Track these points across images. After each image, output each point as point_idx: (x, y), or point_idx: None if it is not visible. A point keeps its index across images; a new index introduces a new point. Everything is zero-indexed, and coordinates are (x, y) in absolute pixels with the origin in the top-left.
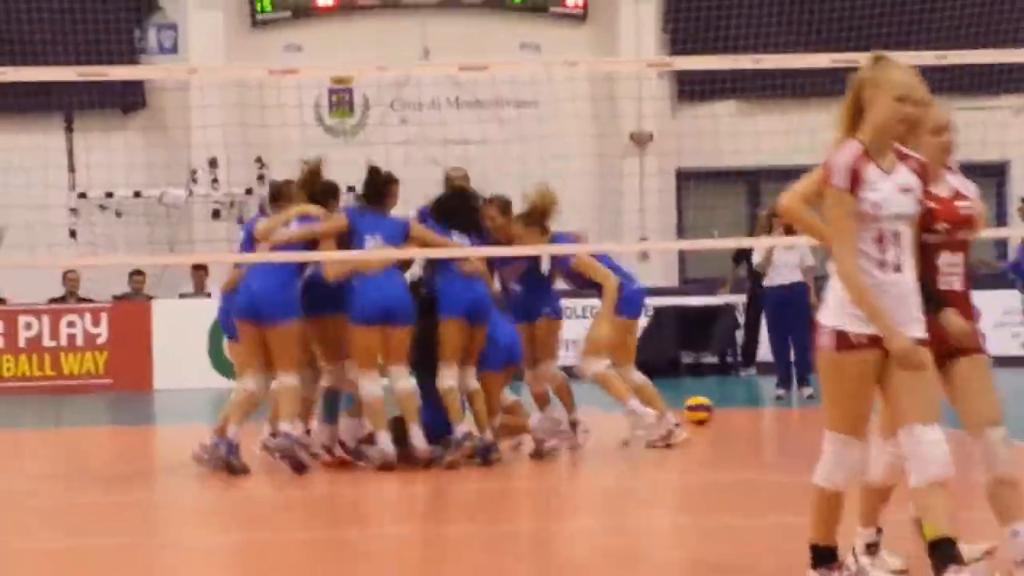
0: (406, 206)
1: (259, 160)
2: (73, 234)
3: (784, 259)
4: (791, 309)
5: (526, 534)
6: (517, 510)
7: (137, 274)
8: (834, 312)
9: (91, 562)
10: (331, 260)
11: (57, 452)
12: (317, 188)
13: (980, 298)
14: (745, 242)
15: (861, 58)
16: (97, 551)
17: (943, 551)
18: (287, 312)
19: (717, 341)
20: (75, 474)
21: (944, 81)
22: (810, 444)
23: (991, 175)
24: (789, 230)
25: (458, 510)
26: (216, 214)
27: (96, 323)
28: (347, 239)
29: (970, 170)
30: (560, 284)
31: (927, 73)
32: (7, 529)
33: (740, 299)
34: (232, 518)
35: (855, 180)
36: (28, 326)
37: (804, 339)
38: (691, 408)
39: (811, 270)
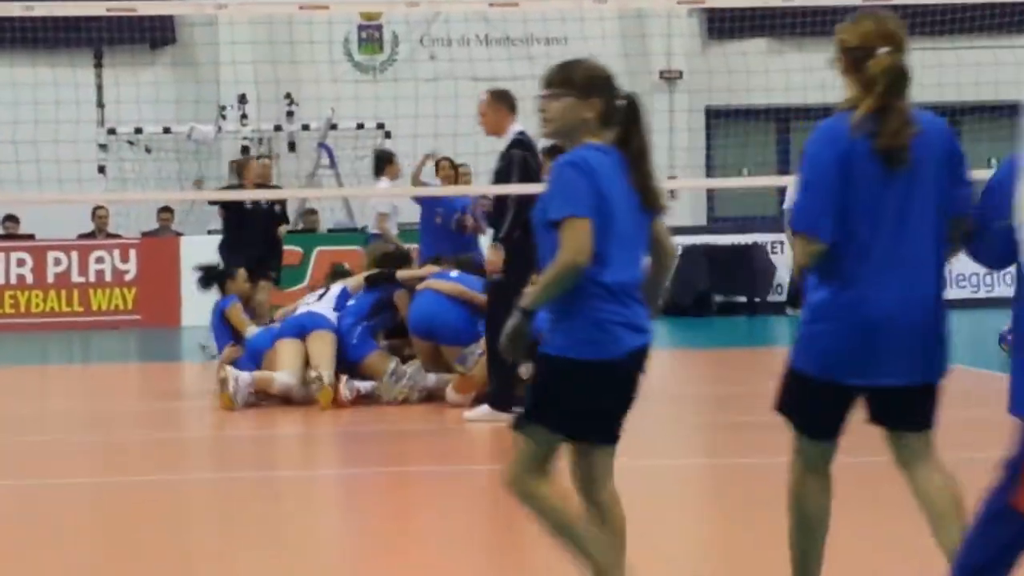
0: (435, 140)
1: (288, 96)
2: (102, 170)
3: None
4: None
5: None
6: None
7: (165, 211)
8: None
9: (120, 498)
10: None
11: (85, 388)
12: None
13: None
14: (773, 180)
15: None
16: (127, 488)
17: None
18: None
19: (747, 280)
20: (103, 410)
21: (971, 21)
22: None
23: (1009, 115)
24: None
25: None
26: (245, 151)
27: (125, 259)
28: None
29: (994, 110)
30: None
31: (957, 12)
32: (34, 465)
33: (769, 238)
34: (265, 454)
35: None
36: (57, 262)
37: None
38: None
39: None
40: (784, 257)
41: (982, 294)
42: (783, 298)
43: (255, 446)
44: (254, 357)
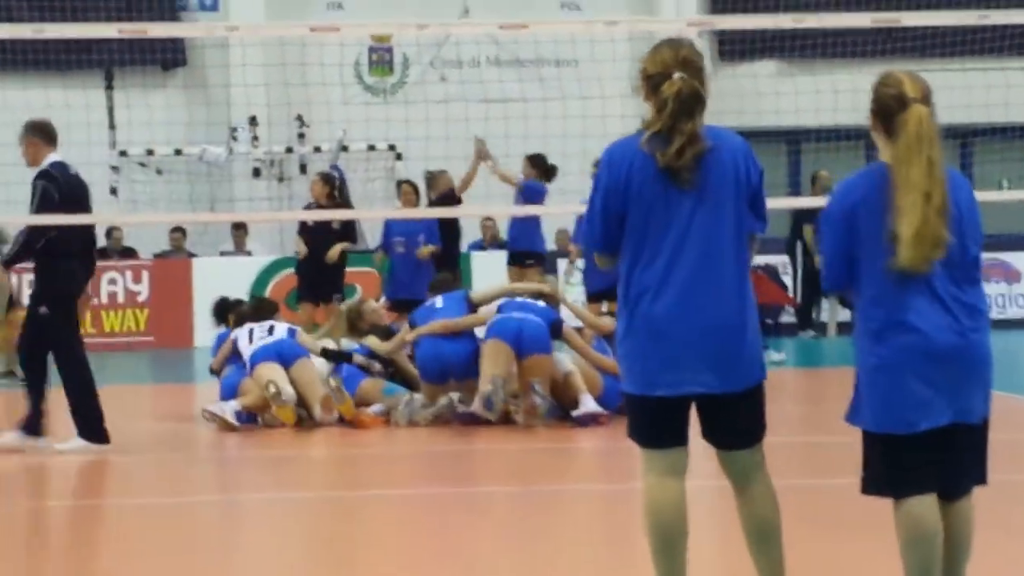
0: (447, 163)
1: (299, 118)
2: (114, 191)
3: None
4: None
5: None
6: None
7: (176, 231)
8: None
9: (128, 521)
10: None
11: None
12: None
13: None
14: (786, 202)
15: (902, 17)
16: (137, 510)
17: None
18: None
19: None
20: (115, 431)
21: (981, 43)
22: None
23: (1020, 137)
24: None
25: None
26: (256, 172)
27: (137, 280)
28: None
29: (1004, 132)
30: None
31: (967, 34)
32: (45, 486)
33: (780, 259)
34: (273, 475)
35: None
36: None
37: None
38: None
39: None
40: (790, 279)
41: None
42: (794, 319)
43: (265, 467)
44: (231, 392)
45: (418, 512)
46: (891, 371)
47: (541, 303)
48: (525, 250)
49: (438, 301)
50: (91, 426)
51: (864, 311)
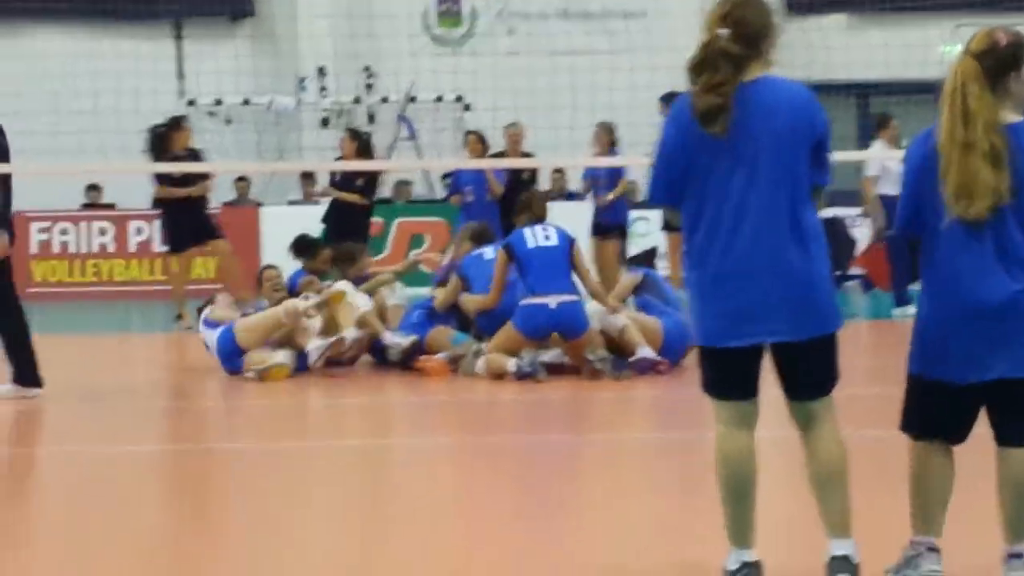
0: (516, 113)
1: (367, 69)
2: None
3: None
4: None
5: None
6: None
7: (240, 180)
8: None
9: (193, 465)
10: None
11: (164, 356)
12: None
13: None
14: (856, 155)
15: None
16: (201, 455)
17: None
18: None
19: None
20: (183, 379)
21: None
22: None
23: None
24: None
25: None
26: (325, 122)
27: None
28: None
29: None
30: None
31: None
32: (113, 432)
33: (850, 212)
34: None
35: None
36: (139, 231)
37: None
38: None
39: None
40: (863, 230)
41: None
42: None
43: (334, 415)
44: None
45: (481, 460)
46: (941, 324)
47: (552, 234)
48: (609, 223)
49: (487, 252)
50: (23, 371)
51: (923, 263)
